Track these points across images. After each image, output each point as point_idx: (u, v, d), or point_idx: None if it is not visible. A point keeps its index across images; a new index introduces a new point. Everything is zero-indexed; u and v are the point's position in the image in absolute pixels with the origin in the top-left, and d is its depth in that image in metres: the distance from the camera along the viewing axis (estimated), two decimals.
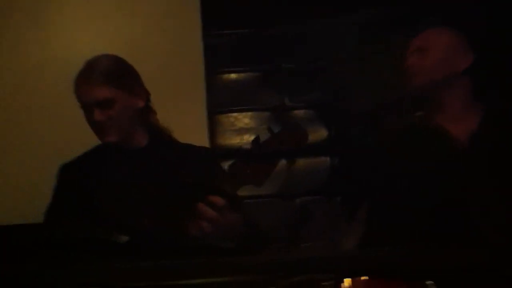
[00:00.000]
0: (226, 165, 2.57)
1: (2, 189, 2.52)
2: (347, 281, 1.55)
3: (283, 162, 2.66)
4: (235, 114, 2.69)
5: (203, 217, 1.73)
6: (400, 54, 2.04)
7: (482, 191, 1.84)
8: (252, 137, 2.42)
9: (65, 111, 2.35)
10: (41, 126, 2.58)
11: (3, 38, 2.59)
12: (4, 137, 2.56)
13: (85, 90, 1.93)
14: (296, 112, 2.72)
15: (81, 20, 2.59)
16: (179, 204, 1.83)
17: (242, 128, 2.68)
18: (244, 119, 2.69)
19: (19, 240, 2.23)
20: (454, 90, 1.94)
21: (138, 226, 1.83)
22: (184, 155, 2.02)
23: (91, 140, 2.01)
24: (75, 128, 2.11)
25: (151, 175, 1.96)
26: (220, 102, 2.69)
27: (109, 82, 1.94)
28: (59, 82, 2.45)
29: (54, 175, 2.00)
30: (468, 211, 1.81)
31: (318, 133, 2.70)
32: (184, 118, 2.59)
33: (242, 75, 2.73)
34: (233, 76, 2.73)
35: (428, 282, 1.35)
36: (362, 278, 1.60)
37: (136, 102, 1.99)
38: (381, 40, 2.61)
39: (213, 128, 2.67)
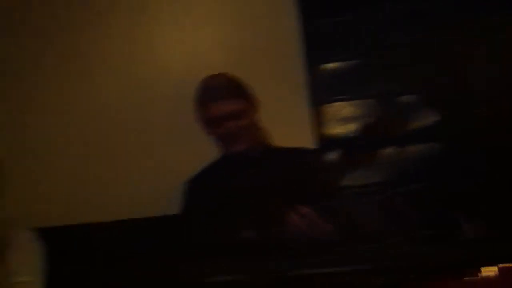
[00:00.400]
0: (332, 156, 2.58)
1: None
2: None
3: (391, 150, 2.60)
4: (339, 103, 2.64)
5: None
6: None
7: None
8: (357, 126, 2.42)
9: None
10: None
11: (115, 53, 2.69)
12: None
13: (215, 105, 2.17)
14: (402, 97, 2.62)
15: (186, 31, 2.64)
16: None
17: (347, 117, 2.62)
18: (348, 107, 2.63)
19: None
20: None
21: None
22: (290, 159, 2.13)
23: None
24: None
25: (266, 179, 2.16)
26: (323, 92, 2.65)
27: (237, 95, 2.20)
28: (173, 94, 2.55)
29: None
30: None
31: (426, 119, 2.60)
32: (287, 111, 2.60)
33: (344, 63, 2.67)
34: (334, 65, 2.68)
35: None
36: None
37: (256, 111, 2.25)
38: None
39: (317, 119, 2.63)
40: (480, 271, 1.55)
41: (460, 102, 2.55)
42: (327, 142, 2.59)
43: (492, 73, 2.51)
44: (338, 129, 2.62)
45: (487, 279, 1.56)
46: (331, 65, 2.66)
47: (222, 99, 2.18)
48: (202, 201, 2.19)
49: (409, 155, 2.55)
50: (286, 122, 2.58)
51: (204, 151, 2.34)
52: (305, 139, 2.56)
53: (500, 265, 1.56)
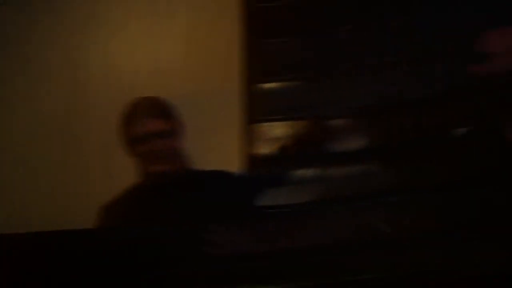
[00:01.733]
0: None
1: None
2: None
3: (316, 172, 2.59)
4: (271, 123, 2.65)
5: None
6: None
7: None
8: (288, 146, 2.41)
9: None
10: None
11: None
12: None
13: (141, 122, 2.18)
14: (335, 121, 2.62)
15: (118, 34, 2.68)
16: None
17: (278, 137, 2.62)
18: (280, 128, 2.63)
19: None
20: None
21: None
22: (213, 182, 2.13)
23: None
24: None
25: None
26: (256, 111, 2.66)
27: (164, 115, 2.21)
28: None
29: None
30: None
31: (358, 142, 2.59)
32: (220, 128, 2.61)
33: (279, 83, 2.68)
34: (270, 85, 2.68)
35: None
36: None
37: (181, 134, 2.25)
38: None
39: (249, 137, 2.64)
40: None
41: (390, 127, 2.55)
42: (257, 161, 2.60)
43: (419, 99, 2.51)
44: (268, 148, 2.62)
45: None
46: (266, 85, 2.68)
47: (148, 117, 2.20)
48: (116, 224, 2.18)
49: (336, 176, 2.55)
50: (219, 140, 2.60)
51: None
52: (235, 158, 2.57)
53: None
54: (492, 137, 1.80)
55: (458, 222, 1.67)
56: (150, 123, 2.18)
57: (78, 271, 1.89)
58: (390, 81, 2.56)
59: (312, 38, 2.68)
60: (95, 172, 2.63)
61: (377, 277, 1.59)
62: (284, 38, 2.70)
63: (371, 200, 2.34)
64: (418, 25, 2.56)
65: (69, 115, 2.65)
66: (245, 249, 1.86)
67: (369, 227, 1.84)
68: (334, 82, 2.65)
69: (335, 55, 2.66)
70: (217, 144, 2.57)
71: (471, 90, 1.91)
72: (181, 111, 2.35)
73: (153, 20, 2.69)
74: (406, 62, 2.53)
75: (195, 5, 2.71)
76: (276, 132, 2.63)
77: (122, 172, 2.41)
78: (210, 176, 2.26)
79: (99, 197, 2.40)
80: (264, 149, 2.63)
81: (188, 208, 2.12)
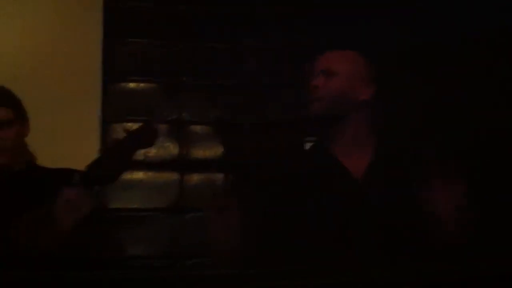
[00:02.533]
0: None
1: None
2: None
3: (175, 176, 2.66)
4: (130, 124, 2.65)
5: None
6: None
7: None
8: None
9: None
10: None
11: None
12: None
13: None
14: (193, 127, 2.70)
15: None
16: None
17: None
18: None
19: None
20: (350, 121, 1.87)
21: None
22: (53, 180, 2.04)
23: None
24: None
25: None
26: (116, 110, 2.65)
27: (8, 104, 2.06)
28: None
29: None
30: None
31: (214, 150, 2.69)
32: (77, 125, 2.56)
33: (142, 85, 2.69)
34: (132, 85, 2.69)
35: None
36: None
37: (26, 127, 2.12)
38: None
39: (106, 137, 2.63)
40: None
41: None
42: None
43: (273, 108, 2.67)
44: None
45: None
46: (128, 85, 2.68)
47: None
48: None
49: (191, 183, 2.63)
50: (75, 136, 2.55)
51: None
52: (91, 155, 2.53)
53: None
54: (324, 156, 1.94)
55: None
56: None
57: None
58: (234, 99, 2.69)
59: (173, 42, 2.74)
60: None
61: None
62: (144, 39, 2.73)
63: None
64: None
65: None
66: None
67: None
68: (191, 88, 2.73)
69: (195, 60, 2.73)
70: (72, 143, 2.52)
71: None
72: (37, 108, 2.28)
73: (17, 13, 2.57)
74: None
75: (59, 2, 2.64)
76: None
77: None
78: (52, 174, 2.13)
79: None
80: None
81: (22, 204, 2.02)
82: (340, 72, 1.86)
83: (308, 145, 2.19)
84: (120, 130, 2.64)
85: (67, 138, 2.53)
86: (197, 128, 2.70)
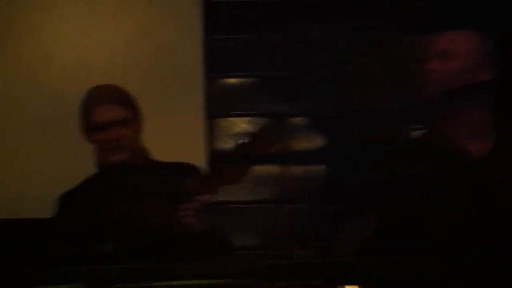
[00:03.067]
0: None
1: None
2: None
3: (276, 168, 2.66)
4: (232, 119, 2.69)
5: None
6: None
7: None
8: (249, 142, 2.46)
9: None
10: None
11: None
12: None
13: (100, 109, 2.13)
14: (293, 119, 2.69)
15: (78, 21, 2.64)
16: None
17: (239, 133, 2.67)
18: (241, 124, 2.68)
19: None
20: (471, 103, 1.80)
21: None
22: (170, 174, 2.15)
23: None
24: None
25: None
26: (218, 106, 2.69)
27: (123, 103, 2.17)
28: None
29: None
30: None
31: (314, 141, 2.67)
32: (182, 121, 2.62)
33: (242, 80, 2.71)
34: (233, 80, 2.72)
35: None
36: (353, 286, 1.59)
37: (140, 124, 2.21)
38: (381, 44, 2.56)
39: (211, 132, 2.67)
40: None
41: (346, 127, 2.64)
42: (218, 156, 2.63)
43: (378, 97, 2.60)
44: (229, 144, 2.66)
45: None
46: (229, 80, 2.71)
47: (108, 104, 2.16)
48: (72, 214, 2.16)
49: (294, 175, 2.62)
50: (180, 133, 2.61)
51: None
52: (197, 152, 2.59)
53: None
54: (439, 142, 1.86)
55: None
56: (109, 110, 2.15)
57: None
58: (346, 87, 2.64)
59: (275, 35, 2.73)
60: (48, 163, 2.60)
61: None
62: (246, 34, 2.74)
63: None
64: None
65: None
66: None
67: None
68: (295, 81, 2.71)
69: (298, 53, 2.72)
70: (178, 139, 2.58)
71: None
72: (144, 104, 2.36)
73: (111, 13, 2.66)
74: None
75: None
76: (237, 128, 2.68)
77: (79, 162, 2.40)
78: (169, 168, 2.24)
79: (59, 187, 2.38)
80: (225, 144, 2.67)
81: (143, 198, 2.12)
82: (460, 54, 1.80)
83: (418, 133, 2.14)
84: (225, 126, 2.69)
85: (172, 135, 2.59)
86: (300, 120, 2.69)
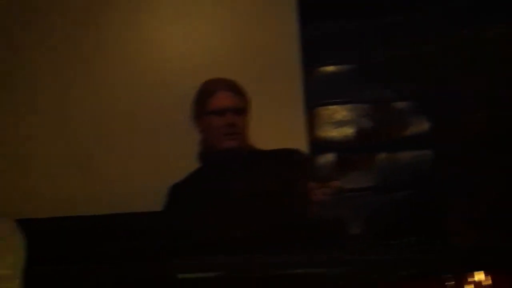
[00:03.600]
0: (324, 158, 2.59)
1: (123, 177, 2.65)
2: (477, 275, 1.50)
3: (383, 155, 2.60)
4: (334, 107, 2.65)
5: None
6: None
7: None
8: (351, 130, 2.43)
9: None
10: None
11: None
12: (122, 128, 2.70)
13: (223, 94, 2.28)
14: (397, 104, 2.62)
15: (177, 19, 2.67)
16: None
17: (341, 121, 2.63)
18: (342, 111, 2.64)
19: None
20: None
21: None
22: (278, 161, 2.26)
23: None
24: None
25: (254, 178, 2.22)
26: (318, 95, 2.66)
27: (240, 93, 2.32)
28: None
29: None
30: None
31: (420, 126, 2.60)
32: (282, 112, 2.61)
33: (340, 67, 2.67)
34: (331, 68, 2.68)
35: None
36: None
37: (249, 114, 2.35)
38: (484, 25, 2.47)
39: (311, 121, 2.64)
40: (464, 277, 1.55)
41: (452, 110, 2.55)
42: (320, 145, 2.61)
43: (482, 83, 2.50)
44: (331, 133, 2.62)
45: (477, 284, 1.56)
46: (327, 68, 2.67)
47: (228, 91, 2.29)
48: (186, 203, 2.21)
49: (401, 161, 2.56)
50: (280, 123, 2.60)
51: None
52: (298, 142, 2.57)
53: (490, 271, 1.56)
54: None
55: None
56: (228, 97, 2.27)
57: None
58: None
59: (371, 21, 2.68)
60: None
61: None
62: (343, 21, 2.70)
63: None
64: None
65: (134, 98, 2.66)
66: None
67: None
68: (394, 66, 2.65)
69: (395, 39, 2.65)
70: (280, 129, 2.57)
71: None
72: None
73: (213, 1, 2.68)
74: None
75: None
76: (337, 115, 2.64)
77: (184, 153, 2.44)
78: (276, 154, 2.31)
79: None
80: (326, 133, 2.64)
81: (254, 186, 2.17)
82: None
83: None
84: (324, 114, 2.66)
85: (273, 126, 2.58)
86: (401, 104, 2.62)
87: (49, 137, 2.60)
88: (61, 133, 2.62)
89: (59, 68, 2.63)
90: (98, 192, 2.54)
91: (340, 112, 2.64)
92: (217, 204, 2.13)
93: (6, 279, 2.17)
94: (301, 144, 2.56)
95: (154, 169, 2.52)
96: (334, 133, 2.62)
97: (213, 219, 2.10)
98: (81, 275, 1.83)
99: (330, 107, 2.65)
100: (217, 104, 2.26)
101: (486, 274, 1.52)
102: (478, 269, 1.54)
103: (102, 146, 2.62)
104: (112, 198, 2.51)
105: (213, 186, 2.19)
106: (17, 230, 2.27)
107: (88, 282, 1.73)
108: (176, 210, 2.22)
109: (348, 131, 2.61)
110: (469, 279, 1.53)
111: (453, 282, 1.53)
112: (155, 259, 1.89)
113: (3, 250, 2.19)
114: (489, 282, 1.51)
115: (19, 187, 2.55)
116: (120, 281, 1.91)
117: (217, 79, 2.33)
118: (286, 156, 2.27)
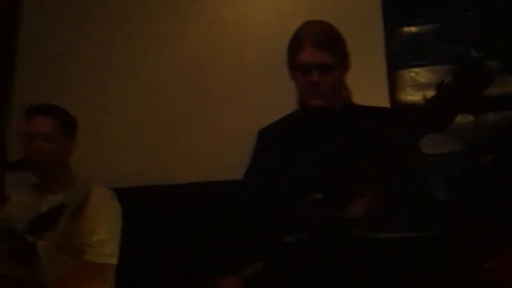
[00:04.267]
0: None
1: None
2: None
3: (469, 118, 2.55)
4: (416, 69, 2.61)
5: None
6: None
7: None
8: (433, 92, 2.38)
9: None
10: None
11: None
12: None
13: (309, 50, 2.06)
14: (482, 63, 2.55)
15: None
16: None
17: (424, 83, 2.59)
18: (426, 73, 2.59)
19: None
20: None
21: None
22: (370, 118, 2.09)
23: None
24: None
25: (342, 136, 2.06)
26: (400, 57, 2.63)
27: (331, 48, 2.08)
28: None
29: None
30: None
31: (508, 85, 2.52)
32: (364, 74, 2.58)
33: (422, 27, 2.62)
34: (413, 29, 2.64)
35: None
36: None
37: (346, 68, 2.13)
38: None
39: (393, 84, 2.62)
40: None
41: None
42: (402, 108, 2.58)
43: None
44: (414, 95, 2.60)
45: None
46: (409, 29, 2.63)
47: (314, 48, 2.08)
48: (272, 152, 2.17)
49: (487, 124, 2.51)
50: (363, 86, 2.57)
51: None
52: (380, 104, 2.55)
53: None
54: None
55: None
56: (314, 54, 2.08)
57: None
58: None
59: None
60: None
61: None
62: None
63: None
64: None
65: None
66: None
67: None
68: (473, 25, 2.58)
69: None
70: (362, 92, 2.56)
71: None
72: None
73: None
74: None
75: None
76: (420, 78, 2.60)
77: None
78: (368, 112, 2.16)
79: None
80: (408, 95, 2.61)
81: (341, 144, 2.07)
82: None
83: None
84: (406, 77, 2.63)
85: (356, 88, 2.57)
86: (487, 64, 2.55)
87: (128, 108, 2.71)
88: (141, 102, 2.71)
89: (136, 42, 2.72)
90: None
91: (423, 74, 2.60)
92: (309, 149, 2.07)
93: (104, 243, 2.29)
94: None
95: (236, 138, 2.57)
96: (417, 96, 2.59)
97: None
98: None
99: (413, 69, 2.61)
100: (302, 60, 2.09)
101: None
102: None
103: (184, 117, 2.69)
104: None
105: (303, 135, 2.14)
106: (114, 199, 2.38)
107: None
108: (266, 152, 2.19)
109: (431, 94, 2.57)
110: None
111: None
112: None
113: (102, 217, 2.31)
114: None
115: (102, 157, 2.65)
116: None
117: (309, 27, 2.14)
118: (381, 113, 2.15)
